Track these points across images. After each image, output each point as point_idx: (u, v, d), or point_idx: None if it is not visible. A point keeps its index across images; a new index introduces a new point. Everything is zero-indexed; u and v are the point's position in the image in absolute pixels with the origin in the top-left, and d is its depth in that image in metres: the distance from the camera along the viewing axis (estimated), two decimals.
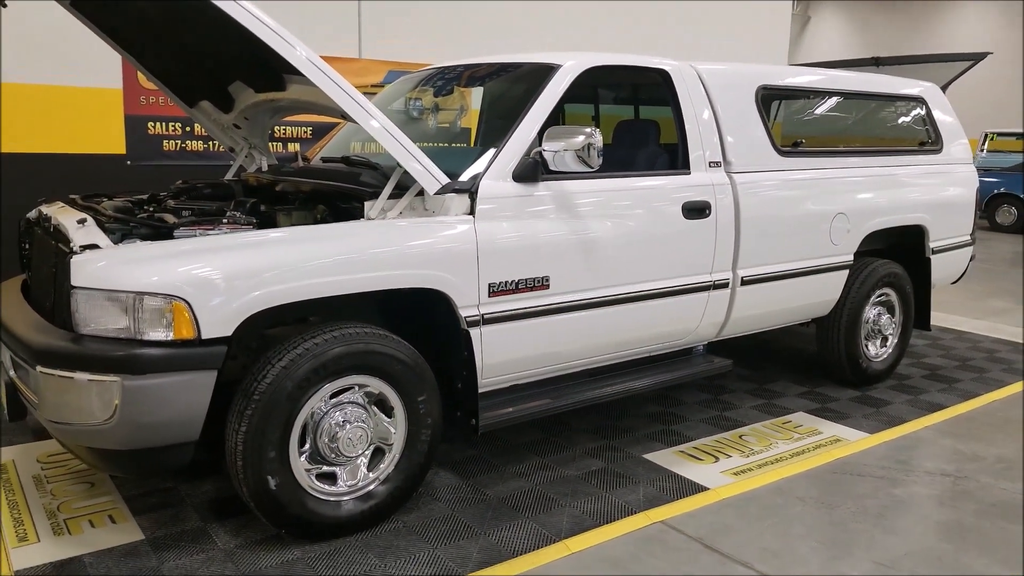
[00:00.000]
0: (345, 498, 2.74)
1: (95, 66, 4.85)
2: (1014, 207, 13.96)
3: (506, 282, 2.99)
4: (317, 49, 6.24)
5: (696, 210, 3.58)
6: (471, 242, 2.88)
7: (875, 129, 5.24)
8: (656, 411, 4.18)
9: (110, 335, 2.37)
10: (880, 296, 4.71)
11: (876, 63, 6.08)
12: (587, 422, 3.97)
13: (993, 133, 16.80)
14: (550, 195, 3.13)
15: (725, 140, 3.80)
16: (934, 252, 4.92)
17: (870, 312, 4.67)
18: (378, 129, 2.67)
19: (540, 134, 3.09)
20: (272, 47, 2.47)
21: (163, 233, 2.62)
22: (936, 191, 4.89)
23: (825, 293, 4.34)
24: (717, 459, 3.59)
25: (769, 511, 3.10)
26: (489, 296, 2.95)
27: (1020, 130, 16.78)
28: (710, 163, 3.71)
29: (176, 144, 5.89)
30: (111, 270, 2.37)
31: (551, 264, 3.10)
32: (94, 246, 2.47)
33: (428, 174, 2.79)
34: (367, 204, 2.82)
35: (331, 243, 2.61)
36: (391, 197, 2.87)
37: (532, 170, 3.06)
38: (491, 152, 3.09)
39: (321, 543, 2.72)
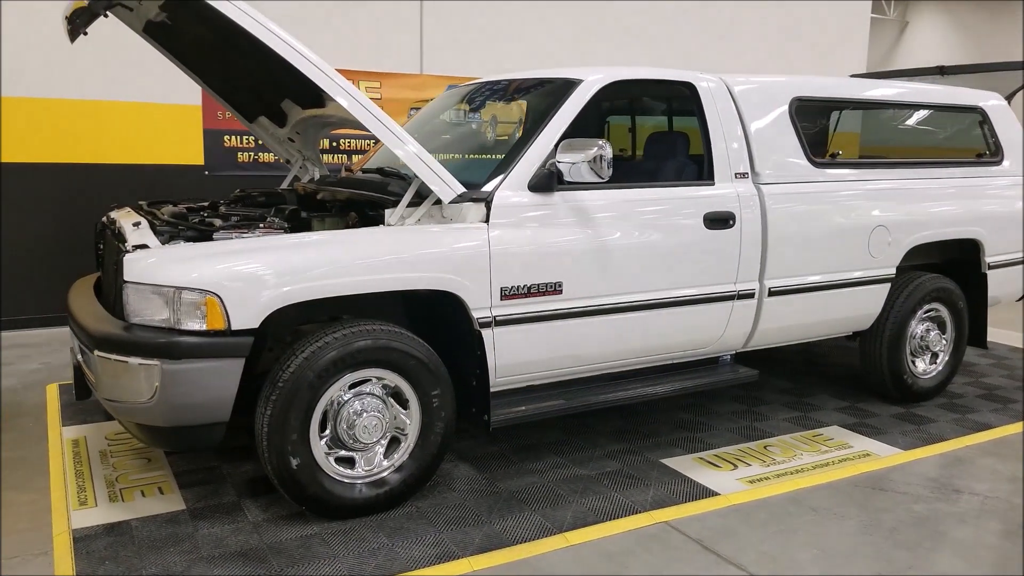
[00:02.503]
0: (361, 481, 2.97)
1: (178, 85, 5.31)
2: None
3: (518, 286, 3.16)
4: (381, 66, 6.62)
5: (719, 220, 3.65)
6: (483, 248, 3.07)
7: (927, 140, 5.13)
8: (684, 418, 4.24)
9: (154, 324, 2.68)
10: (929, 311, 4.61)
11: (941, 72, 5.93)
12: (611, 425, 4.08)
13: None
14: (565, 205, 3.28)
15: (754, 151, 3.85)
16: (991, 268, 4.78)
17: (917, 327, 4.58)
18: (395, 142, 2.90)
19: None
20: (293, 64, 2.72)
21: (204, 236, 2.93)
22: (994, 204, 4.75)
23: (864, 306, 4.30)
24: (736, 467, 3.64)
25: (777, 519, 3.14)
26: (501, 299, 3.13)
27: None
28: (736, 174, 3.77)
29: (249, 156, 6.35)
30: (156, 267, 2.69)
31: (564, 270, 3.25)
32: (144, 246, 2.80)
33: (444, 184, 3.00)
34: (387, 211, 3.05)
35: (348, 247, 2.85)
36: (413, 205, 3.10)
37: (548, 181, 3.22)
38: (510, 163, 3.27)
39: (338, 522, 2.95)
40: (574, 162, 3.12)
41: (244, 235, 2.90)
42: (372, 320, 3.01)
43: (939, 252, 4.72)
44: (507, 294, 3.14)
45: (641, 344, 3.56)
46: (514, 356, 3.23)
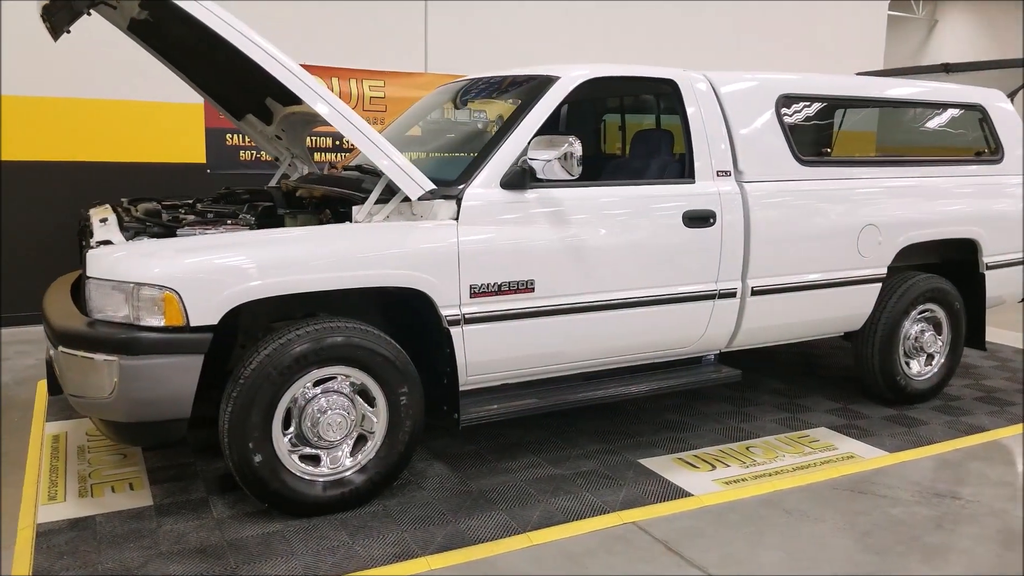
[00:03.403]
0: (326, 479, 2.96)
1: (179, 84, 5.35)
2: None
3: (488, 284, 3.14)
4: (386, 65, 6.61)
5: (699, 219, 3.60)
6: (452, 245, 3.05)
7: (924, 138, 5.03)
8: (670, 419, 4.19)
9: (115, 320, 2.70)
10: (924, 312, 4.52)
11: (946, 69, 5.81)
12: (594, 425, 4.04)
13: None
14: (538, 202, 3.25)
15: (737, 149, 3.80)
16: (989, 268, 4.67)
17: (911, 328, 4.49)
18: (359, 137, 2.89)
19: None
20: (248, 55, 2.72)
21: (169, 232, 2.94)
22: (992, 203, 4.65)
23: (854, 307, 4.22)
24: (714, 468, 3.59)
25: (748, 520, 3.09)
26: (471, 297, 3.11)
27: None
28: (718, 172, 3.72)
29: (251, 154, 6.39)
30: (117, 263, 2.70)
31: (536, 268, 3.23)
32: (108, 242, 2.81)
33: (411, 181, 2.99)
34: (355, 208, 3.05)
35: (309, 244, 2.85)
36: (384, 202, 3.08)
37: (520, 178, 3.20)
38: (483, 160, 3.24)
39: (302, 520, 2.95)
40: (545, 159, 3.09)
41: (207, 232, 2.91)
42: (341, 317, 3.00)
43: (935, 252, 4.62)
44: (476, 292, 3.12)
45: (617, 343, 3.52)
46: (485, 354, 3.21)
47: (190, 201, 3.89)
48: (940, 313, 4.58)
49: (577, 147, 3.05)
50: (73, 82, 5.89)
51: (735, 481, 3.45)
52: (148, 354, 2.64)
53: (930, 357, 4.61)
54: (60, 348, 2.77)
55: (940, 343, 4.61)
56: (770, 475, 3.53)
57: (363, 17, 6.85)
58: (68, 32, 3.62)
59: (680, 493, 3.30)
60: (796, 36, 9.05)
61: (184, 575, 2.58)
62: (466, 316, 3.11)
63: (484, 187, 3.18)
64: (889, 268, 4.28)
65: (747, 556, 2.82)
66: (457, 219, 3.10)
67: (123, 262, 2.70)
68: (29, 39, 5.70)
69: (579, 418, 4.12)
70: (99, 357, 2.65)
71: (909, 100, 4.56)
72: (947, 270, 4.66)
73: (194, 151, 6.31)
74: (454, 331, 3.09)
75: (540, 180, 3.20)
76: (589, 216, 3.35)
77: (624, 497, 3.24)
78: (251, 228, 3.05)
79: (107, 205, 3.63)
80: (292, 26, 6.60)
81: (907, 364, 4.51)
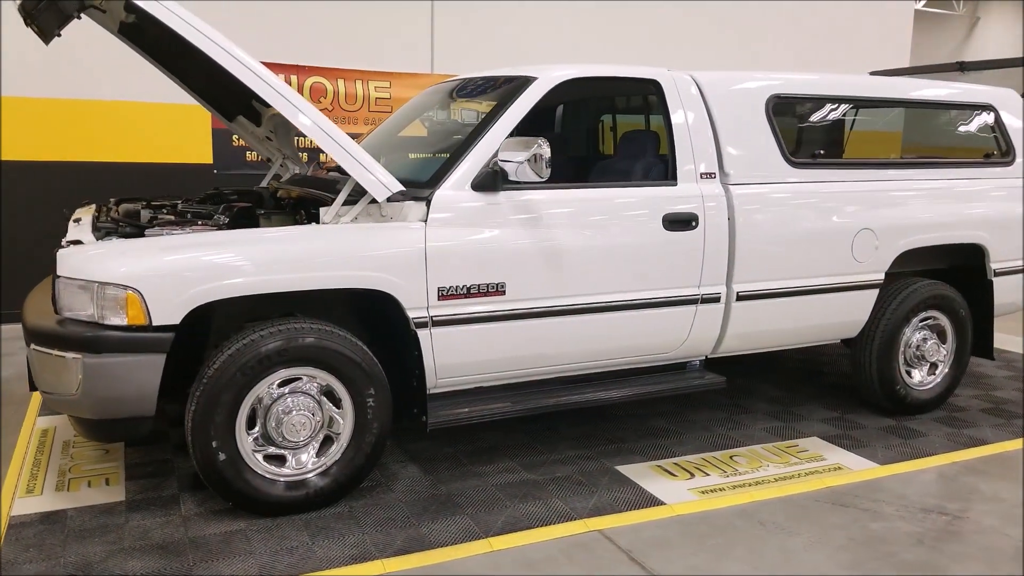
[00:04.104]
0: (289, 479, 2.97)
1: None
2: None
3: (457, 287, 3.12)
4: (392, 66, 6.60)
5: (680, 222, 3.54)
6: (419, 247, 3.04)
7: (930, 139, 4.88)
8: (656, 425, 4.13)
9: (82, 319, 2.74)
10: (926, 319, 4.38)
11: (961, 68, 5.65)
12: (578, 430, 4.00)
13: None
14: (511, 204, 3.23)
15: (723, 151, 3.72)
16: (997, 274, 4.52)
17: (913, 336, 4.36)
18: (322, 137, 2.90)
19: None
20: (203, 52, 2.74)
21: (139, 233, 2.98)
22: (1001, 207, 4.49)
23: (848, 313, 4.11)
24: (693, 476, 3.52)
25: (718, 531, 3.03)
26: (439, 299, 3.09)
27: None
28: (702, 174, 3.65)
29: (257, 155, 6.45)
30: (83, 262, 2.75)
31: (508, 271, 3.20)
32: (78, 242, 2.86)
33: (376, 182, 2.99)
34: (322, 209, 3.05)
35: (271, 245, 2.86)
36: (353, 203, 3.09)
37: (492, 180, 3.17)
38: (455, 162, 3.23)
39: (266, 519, 2.97)
40: (515, 160, 3.06)
41: (174, 232, 2.94)
42: (312, 318, 3.01)
43: (940, 257, 4.49)
44: (445, 294, 3.10)
45: (594, 347, 3.48)
46: (455, 357, 3.19)
47: (177, 201, 3.94)
48: (944, 321, 4.44)
49: (545, 149, 3.01)
50: (82, 84, 6.02)
51: (712, 491, 3.38)
52: (111, 352, 2.68)
53: (933, 366, 4.47)
54: (32, 346, 2.82)
55: (944, 352, 4.47)
56: (750, 485, 3.45)
57: (369, 17, 6.88)
58: (59, 35, 3.69)
59: (652, 502, 3.24)
60: (819, 38, 8.88)
61: (141, 572, 2.60)
62: (434, 318, 3.10)
63: (455, 189, 3.16)
64: (888, 274, 4.16)
65: (711, 568, 2.76)
66: (425, 221, 3.09)
67: (89, 262, 2.74)
68: (32, 40, 5.83)
69: (563, 423, 4.08)
70: (65, 355, 2.70)
71: (912, 100, 4.42)
72: (957, 276, 4.52)
73: (201, 152, 6.40)
74: (421, 333, 3.08)
75: (513, 182, 3.17)
76: (562, 218, 3.31)
77: (594, 504, 3.20)
78: (220, 229, 3.07)
79: (92, 205, 3.70)
80: (297, 27, 6.67)
81: (908, 373, 4.38)
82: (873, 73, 6.51)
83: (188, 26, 2.75)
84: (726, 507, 3.23)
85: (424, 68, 7.13)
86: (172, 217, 3.31)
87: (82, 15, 3.44)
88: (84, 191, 6.02)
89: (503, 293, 3.21)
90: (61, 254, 2.80)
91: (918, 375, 4.43)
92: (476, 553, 2.80)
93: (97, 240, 2.92)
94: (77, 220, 2.96)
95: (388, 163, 3.83)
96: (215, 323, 3.10)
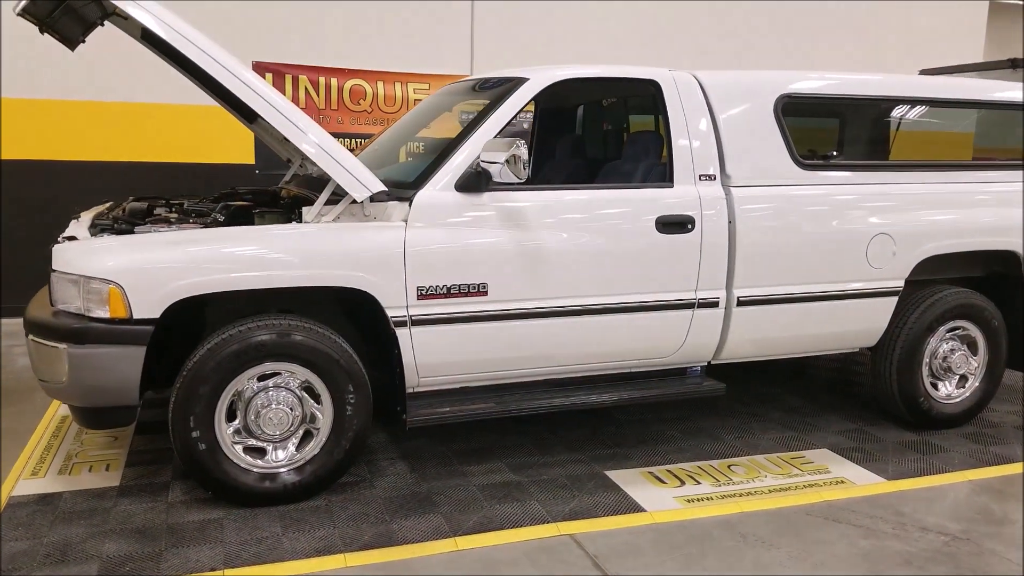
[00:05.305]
0: (266, 471, 3.05)
1: None
2: None
3: (437, 287, 3.14)
4: (432, 68, 6.66)
5: (675, 224, 3.47)
6: (398, 247, 3.07)
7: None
8: (659, 431, 4.05)
9: (71, 311, 2.88)
10: (954, 329, 4.16)
11: (1013, 65, 5.33)
12: (577, 433, 3.96)
13: None
14: (495, 205, 3.22)
15: (726, 152, 3.62)
16: None
17: (939, 346, 4.14)
18: (299, 136, 2.98)
19: None
20: (186, 55, 2.83)
21: (129, 230, 3.11)
22: None
23: (864, 321, 3.94)
24: (683, 484, 3.44)
25: (693, 541, 2.95)
26: (418, 299, 3.12)
27: None
28: (701, 176, 3.56)
29: None
30: (74, 257, 2.89)
31: (490, 272, 3.20)
32: (73, 238, 3.01)
33: (356, 182, 3.03)
34: (304, 209, 3.12)
35: (250, 243, 2.94)
36: (335, 203, 3.15)
37: (476, 181, 3.18)
38: (440, 163, 3.25)
39: (245, 509, 3.05)
40: (494, 162, 3.06)
41: (161, 229, 3.06)
42: (296, 316, 3.08)
43: (972, 265, 4.25)
44: (424, 294, 3.13)
45: (582, 351, 3.44)
46: (436, 356, 3.21)
47: (194, 200, 4.09)
48: (975, 331, 4.20)
49: (522, 151, 3.00)
50: (135, 88, 6.32)
51: (699, 499, 3.30)
52: (94, 343, 2.81)
53: (963, 379, 4.24)
54: (30, 336, 2.98)
55: (975, 364, 4.23)
56: (741, 495, 3.35)
57: (409, 19, 6.98)
58: (83, 41, 3.89)
59: (633, 508, 3.18)
60: (892, 33, 8.55)
61: (114, 554, 2.72)
62: (413, 318, 3.13)
63: (438, 189, 3.18)
64: (909, 281, 3.96)
65: None
66: (407, 221, 3.12)
67: (78, 257, 2.88)
68: (89, 49, 6.16)
69: (563, 426, 4.05)
70: (53, 344, 2.84)
71: (937, 99, 4.19)
72: (995, 285, 4.27)
73: (244, 152, 6.62)
74: (400, 332, 3.11)
75: (499, 184, 3.16)
76: (548, 220, 3.29)
77: (572, 508, 3.16)
78: (209, 227, 3.16)
79: (110, 203, 3.88)
80: (337, 29, 6.83)
81: (933, 385, 4.16)
82: (923, 72, 6.21)
83: (148, 15, 2.84)
84: (708, 517, 3.14)
85: (464, 70, 7.19)
86: (173, 215, 3.44)
87: (105, 22, 3.62)
88: (132, 190, 6.33)
89: (485, 294, 3.21)
90: (55, 249, 2.95)
91: (945, 388, 4.20)
92: (440, 552, 2.81)
93: (92, 236, 3.06)
94: (77, 217, 3.12)
95: (388, 164, 3.90)
96: (210, 319, 3.21)
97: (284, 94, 6.57)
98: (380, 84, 6.92)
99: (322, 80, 6.78)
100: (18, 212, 6.22)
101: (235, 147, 6.63)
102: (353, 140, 6.86)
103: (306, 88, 6.78)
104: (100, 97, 6.30)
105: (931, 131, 5.35)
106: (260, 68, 6.43)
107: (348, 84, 6.89)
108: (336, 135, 6.80)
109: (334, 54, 6.81)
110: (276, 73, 6.61)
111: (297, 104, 6.57)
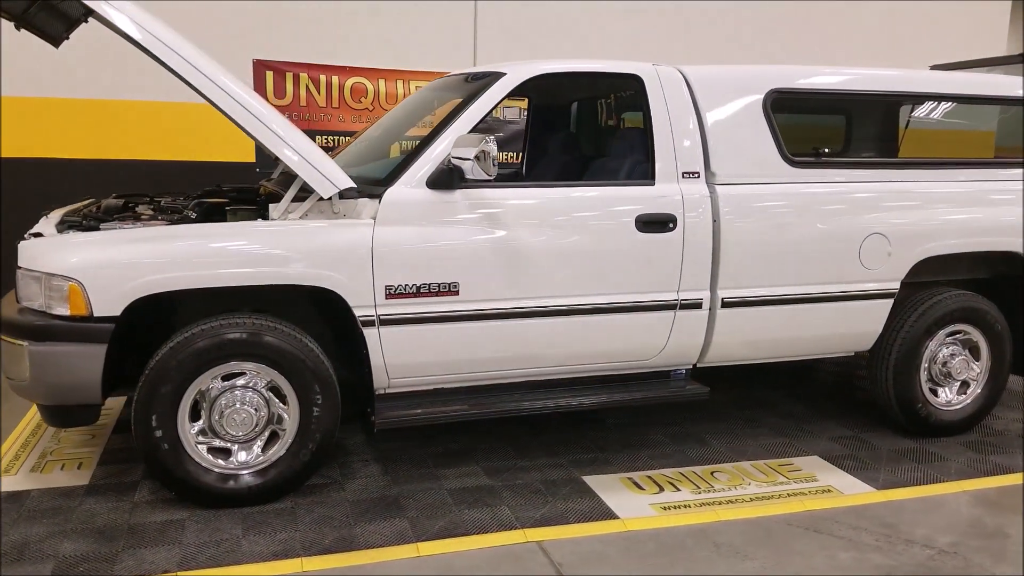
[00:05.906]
0: (227, 473, 3.00)
1: None
2: None
3: (406, 286, 3.07)
4: (434, 66, 6.64)
5: (655, 223, 3.37)
6: (365, 245, 3.01)
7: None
8: (645, 436, 3.94)
9: (35, 308, 2.86)
10: (955, 333, 4.00)
11: (1023, 60, 5.14)
12: (559, 437, 3.88)
13: None
14: (467, 203, 3.15)
15: (711, 149, 3.52)
16: None
17: (939, 351, 3.99)
18: (264, 131, 2.93)
19: None
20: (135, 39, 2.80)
21: (95, 227, 3.08)
22: None
23: (856, 324, 3.80)
24: (661, 490, 3.34)
25: (664, 551, 2.85)
26: (386, 298, 3.05)
27: None
28: (684, 173, 3.46)
29: None
30: (37, 254, 2.87)
31: (462, 271, 3.13)
32: (39, 234, 2.99)
33: (322, 178, 2.98)
34: (271, 206, 3.07)
35: (213, 240, 2.90)
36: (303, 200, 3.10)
37: (447, 178, 3.11)
38: (412, 159, 3.18)
39: (208, 510, 3.01)
40: (466, 158, 2.99)
41: (125, 227, 3.02)
42: (243, 313, 3.02)
43: (974, 267, 4.10)
44: (393, 293, 3.06)
45: (558, 352, 3.35)
46: (406, 357, 3.15)
47: (173, 198, 4.06)
48: (977, 335, 4.04)
49: (492, 147, 2.92)
50: (131, 86, 6.35)
51: (675, 507, 3.20)
52: (54, 341, 2.78)
53: (964, 384, 4.08)
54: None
55: (977, 369, 4.07)
56: (721, 503, 3.24)
57: (412, 17, 6.93)
58: (67, 38, 3.89)
59: (606, 515, 3.09)
60: (914, 28, 8.36)
61: (71, 554, 2.69)
62: (381, 317, 3.06)
63: (408, 186, 3.12)
64: (906, 283, 3.82)
65: None
66: (375, 218, 3.06)
67: (41, 253, 2.86)
68: (86, 45, 6.19)
69: (545, 429, 3.96)
70: (15, 342, 2.82)
71: (935, 94, 4.04)
72: (1000, 288, 4.12)
73: (245, 151, 6.61)
74: (369, 332, 3.05)
75: (471, 181, 3.09)
76: (522, 218, 3.21)
77: (544, 514, 3.08)
78: (173, 224, 3.12)
79: (90, 200, 3.87)
80: (339, 27, 6.80)
81: (933, 392, 4.02)
82: (933, 67, 6.03)
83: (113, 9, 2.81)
84: (683, 525, 3.04)
85: (467, 68, 7.11)
86: (146, 212, 3.42)
87: (90, 19, 3.60)
88: (132, 188, 6.36)
89: (456, 293, 3.14)
90: (21, 246, 2.93)
91: (945, 394, 4.05)
92: (400, 557, 2.75)
93: (58, 233, 3.04)
94: (46, 215, 3.10)
95: (377, 160, 3.83)
96: (180, 317, 3.17)
97: (285, 93, 6.62)
98: (381, 82, 6.87)
99: (323, 78, 6.75)
100: (16, 210, 6.27)
101: (236, 145, 6.62)
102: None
103: (307, 86, 6.75)
104: (103, 95, 6.34)
105: (949, 130, 5.18)
106: (261, 66, 6.41)
107: (349, 82, 6.85)
108: (337, 133, 6.80)
109: (335, 52, 6.78)
110: (277, 71, 6.59)
111: (298, 102, 6.57)
